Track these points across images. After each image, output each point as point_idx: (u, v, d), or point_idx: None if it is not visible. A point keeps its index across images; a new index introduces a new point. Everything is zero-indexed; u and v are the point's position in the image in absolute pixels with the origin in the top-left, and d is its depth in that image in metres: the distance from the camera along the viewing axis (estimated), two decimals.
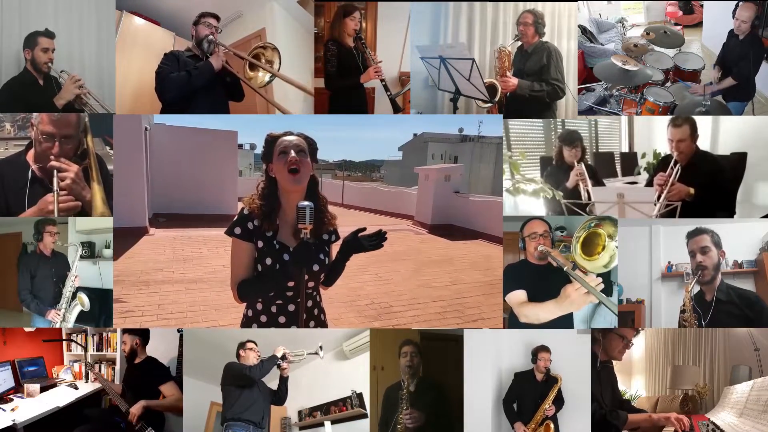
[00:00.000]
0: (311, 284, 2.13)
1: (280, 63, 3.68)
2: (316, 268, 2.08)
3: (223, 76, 3.53)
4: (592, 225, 2.38)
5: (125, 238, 7.06)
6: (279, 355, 2.83)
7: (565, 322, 2.68)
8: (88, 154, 2.49)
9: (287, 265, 2.02)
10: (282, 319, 2.10)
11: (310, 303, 2.15)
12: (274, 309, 2.10)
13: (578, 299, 2.30)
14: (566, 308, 2.37)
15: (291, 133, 2.08)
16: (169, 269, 5.87)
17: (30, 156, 2.50)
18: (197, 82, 3.40)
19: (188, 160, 9.86)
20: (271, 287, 2.07)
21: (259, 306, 2.11)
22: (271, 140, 2.06)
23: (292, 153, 2.01)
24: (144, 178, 7.99)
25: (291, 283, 2.06)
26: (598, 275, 2.37)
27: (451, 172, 10.08)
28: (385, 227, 2.33)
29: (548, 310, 2.45)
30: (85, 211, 2.49)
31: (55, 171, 2.37)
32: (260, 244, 2.04)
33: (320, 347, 2.95)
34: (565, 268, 2.36)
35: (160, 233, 8.15)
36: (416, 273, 6.17)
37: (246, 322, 2.14)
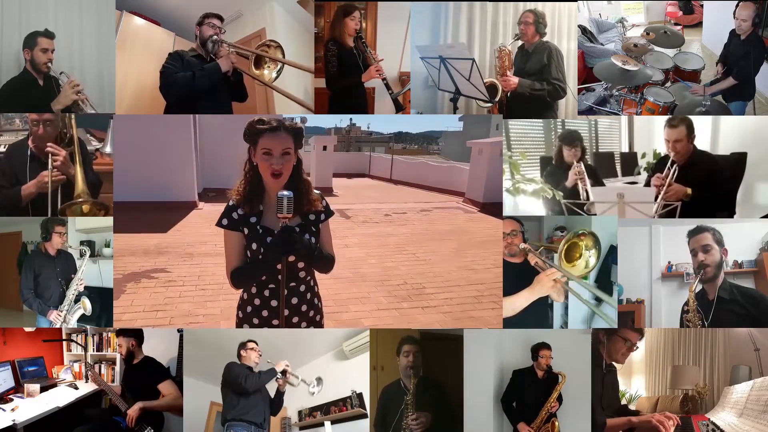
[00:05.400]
0: (301, 265, 2.14)
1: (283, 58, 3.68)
2: (303, 251, 2.06)
3: (226, 77, 3.52)
4: (577, 234, 2.63)
5: (175, 211, 7.56)
6: (279, 369, 2.84)
7: (543, 321, 2.89)
8: (74, 142, 3.18)
9: (269, 250, 2.05)
10: (274, 303, 2.13)
11: (303, 287, 2.17)
12: (266, 293, 2.14)
13: (548, 284, 2.56)
14: (537, 293, 2.61)
15: (279, 128, 2.00)
16: (212, 242, 5.99)
17: (30, 140, 3.20)
18: (203, 83, 3.39)
19: (234, 137, 9.97)
20: (261, 272, 2.10)
21: (253, 290, 2.15)
22: (256, 131, 2.01)
23: (276, 159, 1.99)
24: (193, 155, 8.39)
25: (279, 266, 2.08)
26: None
27: None
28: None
29: (523, 297, 2.63)
30: (70, 182, 3.14)
31: (50, 154, 3.08)
32: (246, 231, 2.09)
33: (317, 380, 2.97)
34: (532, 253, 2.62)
35: (209, 207, 8.47)
36: (458, 254, 5.96)
37: (242, 305, 2.20)
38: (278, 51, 3.68)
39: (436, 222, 8.05)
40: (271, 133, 2.00)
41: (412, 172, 13.48)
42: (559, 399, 2.87)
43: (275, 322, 2.14)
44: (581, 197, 3.45)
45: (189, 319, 3.93)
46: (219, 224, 2.11)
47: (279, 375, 2.83)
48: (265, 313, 2.14)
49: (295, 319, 2.16)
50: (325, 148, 12.10)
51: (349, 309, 4.08)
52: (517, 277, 2.83)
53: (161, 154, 7.90)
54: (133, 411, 3.06)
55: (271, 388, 2.90)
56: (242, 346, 2.88)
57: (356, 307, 4.13)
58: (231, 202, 2.11)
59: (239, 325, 2.20)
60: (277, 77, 3.70)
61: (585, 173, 3.52)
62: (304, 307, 2.18)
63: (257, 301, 2.14)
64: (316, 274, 2.26)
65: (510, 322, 2.80)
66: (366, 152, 16.67)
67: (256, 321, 2.16)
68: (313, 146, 12.18)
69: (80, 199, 3.08)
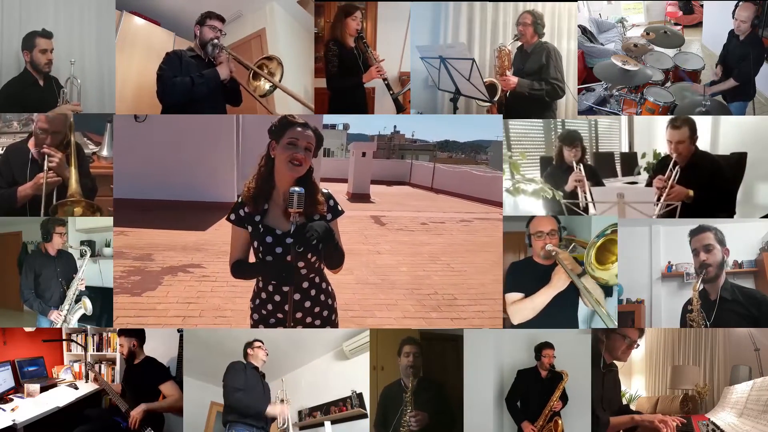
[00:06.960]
0: (301, 264, 2.18)
1: (282, 75, 3.66)
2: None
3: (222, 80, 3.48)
4: (609, 231, 2.51)
5: (216, 211, 7.67)
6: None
7: (569, 321, 2.76)
8: (70, 145, 3.17)
9: (269, 251, 2.13)
10: (277, 297, 2.21)
11: (306, 284, 2.21)
12: (270, 287, 2.21)
13: (564, 277, 2.55)
14: (556, 287, 2.59)
15: (307, 126, 2.14)
16: None
17: (31, 143, 3.18)
18: (201, 90, 3.35)
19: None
20: (259, 272, 2.24)
21: (260, 283, 2.26)
22: (287, 123, 2.13)
23: (300, 150, 2.10)
24: (234, 158, 8.64)
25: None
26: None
27: None
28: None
29: (544, 295, 2.61)
30: (64, 184, 3.13)
31: (45, 156, 3.08)
32: (250, 228, 2.19)
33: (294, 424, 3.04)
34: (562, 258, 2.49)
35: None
36: (495, 266, 5.64)
37: (257, 292, 2.29)
38: (279, 67, 3.65)
39: (475, 233, 7.77)
40: (300, 127, 2.12)
41: (454, 181, 13.14)
42: (564, 398, 2.87)
43: (279, 315, 2.21)
44: (581, 204, 3.43)
45: (218, 313, 4.01)
46: (228, 219, 2.22)
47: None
48: (270, 306, 2.22)
49: (299, 315, 2.22)
50: (364, 154, 11.95)
51: (375, 314, 4.02)
52: (544, 279, 2.66)
53: (205, 155, 8.36)
54: (136, 413, 3.05)
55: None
56: (249, 345, 2.90)
57: (382, 314, 4.07)
58: (240, 199, 2.21)
59: (252, 313, 2.31)
60: (271, 92, 3.67)
61: (585, 180, 3.51)
62: (308, 303, 2.22)
63: (264, 295, 2.24)
64: (330, 277, 2.31)
65: (534, 323, 2.67)
66: (408, 160, 16.48)
67: (264, 312, 2.24)
68: (352, 152, 12.05)
69: (72, 199, 3.08)
